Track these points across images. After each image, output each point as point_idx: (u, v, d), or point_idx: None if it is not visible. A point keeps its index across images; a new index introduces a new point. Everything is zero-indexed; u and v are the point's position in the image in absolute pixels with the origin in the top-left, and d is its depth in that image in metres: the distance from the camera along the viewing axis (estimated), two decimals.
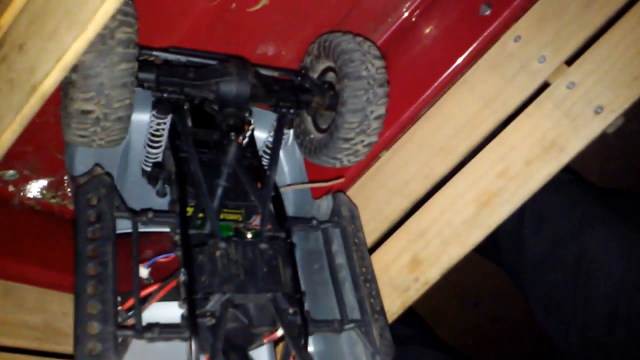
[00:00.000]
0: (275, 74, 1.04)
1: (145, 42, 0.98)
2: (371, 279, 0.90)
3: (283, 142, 1.03)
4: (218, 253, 0.79)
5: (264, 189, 0.91)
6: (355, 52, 0.95)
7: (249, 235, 0.86)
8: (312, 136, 1.05)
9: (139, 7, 0.86)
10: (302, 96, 1.00)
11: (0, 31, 0.73)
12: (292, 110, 0.99)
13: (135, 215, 0.82)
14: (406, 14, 1.18)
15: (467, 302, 2.33)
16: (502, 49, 1.10)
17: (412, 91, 1.13)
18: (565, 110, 1.03)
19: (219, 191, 0.86)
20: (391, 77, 1.13)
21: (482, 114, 1.09)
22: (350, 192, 1.17)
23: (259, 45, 1.14)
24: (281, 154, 1.12)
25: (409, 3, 1.17)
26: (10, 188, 1.10)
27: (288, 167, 1.13)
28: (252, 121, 0.98)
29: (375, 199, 1.15)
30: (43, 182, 1.12)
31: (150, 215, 0.82)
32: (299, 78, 1.04)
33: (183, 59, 0.98)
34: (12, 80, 0.71)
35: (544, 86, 1.07)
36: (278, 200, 0.92)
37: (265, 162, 1.03)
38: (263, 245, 0.82)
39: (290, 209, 1.10)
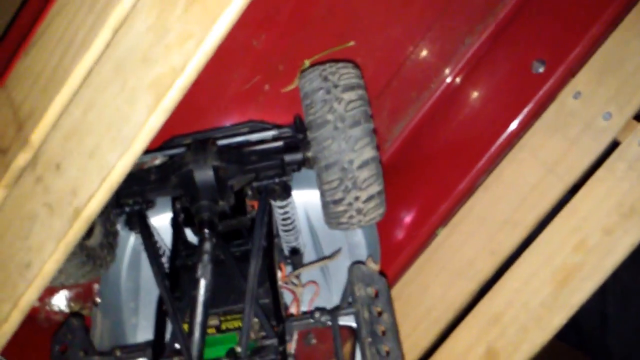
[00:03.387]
0: (270, 133, 0.91)
1: (179, 129, 0.93)
2: None
3: (287, 213, 0.90)
4: None
5: (247, 288, 0.74)
6: (317, 92, 0.79)
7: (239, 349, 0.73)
8: None
9: None
10: (290, 156, 0.82)
11: (31, 149, 0.66)
12: (277, 179, 0.82)
13: (104, 356, 0.79)
14: (450, 78, 1.10)
15: None
16: (561, 107, 1.00)
17: (465, 160, 1.04)
18: None
19: (199, 305, 0.70)
20: (440, 146, 1.04)
21: (547, 180, 1.00)
22: (406, 278, 1.06)
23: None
24: None
25: (451, 67, 1.09)
26: (36, 303, 1.00)
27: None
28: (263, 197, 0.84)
29: (435, 283, 1.03)
30: (69, 293, 1.02)
31: (119, 354, 0.78)
32: (297, 132, 0.88)
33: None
34: (51, 204, 0.64)
35: (614, 145, 0.97)
36: (275, 296, 0.78)
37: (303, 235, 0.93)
38: None
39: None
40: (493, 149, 1.02)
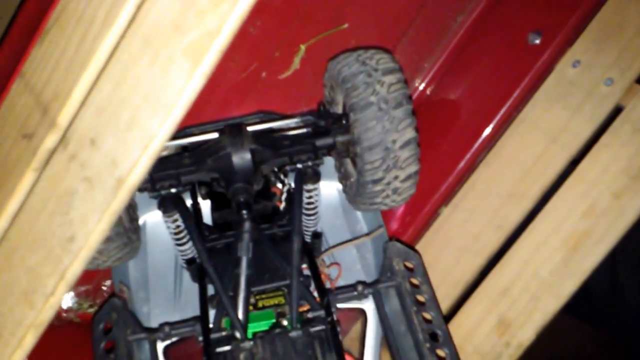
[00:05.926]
0: (293, 122, 0.91)
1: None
2: (444, 342, 0.76)
3: (316, 196, 0.90)
4: (242, 356, 0.70)
5: (290, 265, 0.77)
6: (358, 76, 0.80)
7: (285, 322, 0.75)
8: (352, 179, 0.90)
9: None
10: (321, 141, 0.84)
11: (59, 130, 0.66)
12: (310, 163, 0.84)
13: (152, 333, 0.78)
14: (443, 57, 1.10)
15: None
16: (561, 77, 1.00)
17: (465, 136, 1.03)
18: None
19: (242, 282, 0.74)
20: (437, 125, 1.03)
21: (551, 150, 0.99)
22: None
23: (294, 112, 1.06)
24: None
25: (445, 44, 1.09)
26: None
27: (362, 212, 1.00)
28: (287, 182, 0.87)
29: (441, 260, 1.02)
30: (79, 291, 1.03)
31: (167, 329, 0.77)
32: (320, 119, 0.90)
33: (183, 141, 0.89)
34: (90, 178, 0.64)
35: (617, 110, 0.96)
36: (315, 271, 0.80)
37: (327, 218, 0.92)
38: (294, 334, 0.71)
39: (371, 263, 0.98)
40: (492, 124, 1.01)
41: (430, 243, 1.05)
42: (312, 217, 0.90)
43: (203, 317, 0.75)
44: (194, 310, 0.80)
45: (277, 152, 0.83)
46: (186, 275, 0.92)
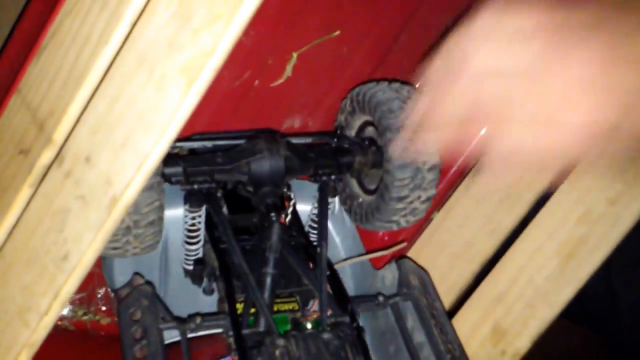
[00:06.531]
0: (309, 139, 0.97)
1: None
2: (459, 355, 0.79)
3: (329, 211, 0.94)
4: (278, 352, 0.71)
5: (317, 270, 0.82)
6: (393, 101, 0.86)
7: (309, 326, 0.79)
8: (360, 200, 0.95)
9: None
10: (342, 159, 0.91)
11: (55, 147, 0.67)
12: (333, 177, 0.91)
13: (183, 323, 0.76)
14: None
15: None
16: None
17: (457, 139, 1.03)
18: None
19: (268, 281, 0.78)
20: None
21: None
22: None
23: (286, 119, 1.07)
24: (329, 224, 1.02)
25: (436, 49, 1.08)
26: None
27: (340, 237, 1.04)
28: (292, 196, 0.90)
29: (434, 267, 1.00)
30: (73, 299, 1.03)
31: (199, 320, 0.76)
32: (336, 139, 0.96)
33: (209, 144, 0.92)
34: (84, 196, 0.65)
35: None
36: (335, 279, 0.83)
37: (313, 237, 0.94)
38: (326, 336, 0.74)
39: (349, 286, 1.00)
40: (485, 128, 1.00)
41: (422, 249, 1.03)
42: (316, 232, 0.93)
43: (232, 312, 0.76)
44: (180, 314, 0.80)
45: (304, 163, 0.88)
46: (172, 279, 0.93)
